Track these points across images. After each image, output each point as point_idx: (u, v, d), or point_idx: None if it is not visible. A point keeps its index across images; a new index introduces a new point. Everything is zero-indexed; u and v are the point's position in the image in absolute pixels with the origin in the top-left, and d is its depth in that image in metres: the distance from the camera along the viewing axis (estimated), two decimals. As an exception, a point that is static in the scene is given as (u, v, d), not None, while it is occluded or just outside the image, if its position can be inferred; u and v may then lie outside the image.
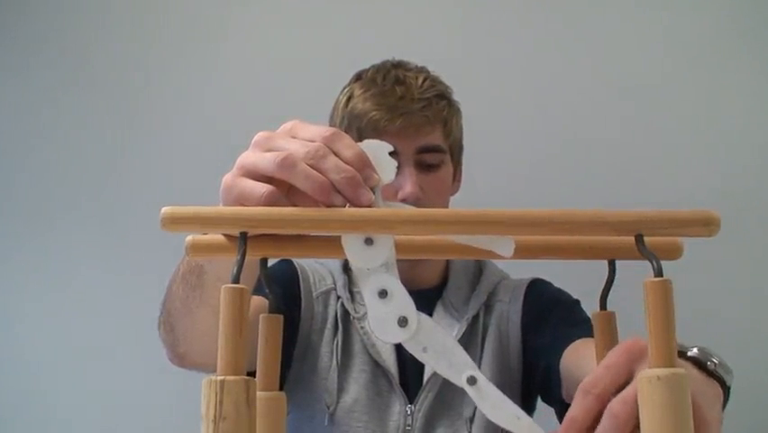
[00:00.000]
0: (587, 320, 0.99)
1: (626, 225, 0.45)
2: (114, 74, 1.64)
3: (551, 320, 1.01)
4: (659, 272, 0.43)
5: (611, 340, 0.51)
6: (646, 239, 0.45)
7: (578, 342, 0.93)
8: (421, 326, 0.47)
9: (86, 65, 1.65)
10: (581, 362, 0.89)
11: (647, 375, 0.41)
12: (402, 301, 0.47)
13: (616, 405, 0.43)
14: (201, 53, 1.63)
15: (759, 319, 1.47)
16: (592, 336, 0.52)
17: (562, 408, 0.97)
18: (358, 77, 1.04)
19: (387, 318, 0.47)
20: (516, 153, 1.51)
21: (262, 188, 0.48)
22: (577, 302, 1.05)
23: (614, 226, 0.45)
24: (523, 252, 0.50)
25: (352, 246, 0.47)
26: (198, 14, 1.65)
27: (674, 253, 0.48)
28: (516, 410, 0.46)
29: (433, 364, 0.47)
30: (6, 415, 1.54)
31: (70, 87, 1.64)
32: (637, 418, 0.42)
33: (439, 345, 0.47)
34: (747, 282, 1.45)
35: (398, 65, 1.03)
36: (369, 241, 0.47)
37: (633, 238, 0.45)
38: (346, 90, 1.02)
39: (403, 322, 0.47)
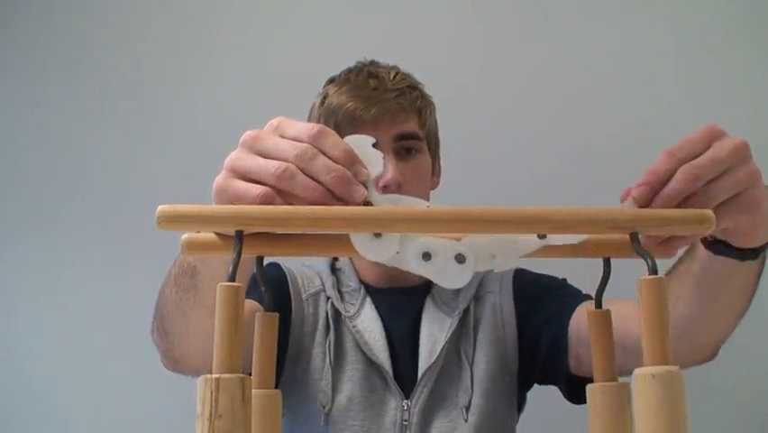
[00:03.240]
0: (580, 292, 1.02)
1: (621, 224, 0.46)
2: (109, 73, 1.64)
3: (545, 299, 1.02)
4: (654, 270, 0.43)
5: (607, 338, 0.51)
6: (641, 237, 0.45)
7: (582, 306, 0.96)
8: (476, 250, 0.48)
9: (80, 64, 1.65)
10: None
11: (642, 373, 0.42)
12: (445, 248, 0.48)
13: (688, 165, 0.51)
14: (196, 53, 1.63)
15: (756, 318, 1.47)
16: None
17: (568, 384, 0.99)
18: (330, 80, 1.06)
19: (446, 270, 0.47)
20: (511, 152, 1.51)
21: (257, 189, 0.49)
22: (564, 280, 1.06)
23: (609, 225, 0.46)
24: (518, 249, 0.50)
25: (362, 242, 0.47)
26: (195, 14, 1.65)
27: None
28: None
29: (505, 265, 0.48)
30: (2, 415, 1.53)
31: (65, 87, 1.64)
32: (706, 177, 0.52)
33: (498, 244, 0.48)
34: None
35: (371, 63, 1.06)
36: (377, 234, 0.47)
37: (628, 236, 0.46)
38: (320, 93, 1.04)
39: (461, 259, 0.47)
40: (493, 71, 1.57)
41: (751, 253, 0.65)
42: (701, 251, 0.69)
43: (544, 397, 1.12)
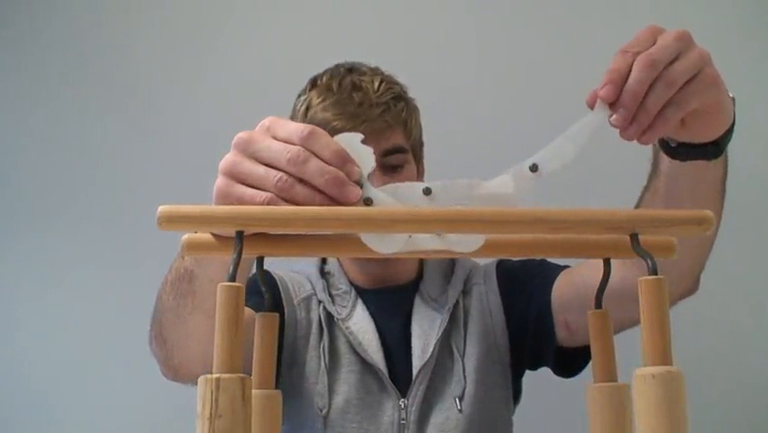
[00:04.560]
0: (558, 265, 1.04)
1: (621, 224, 0.46)
2: (111, 72, 1.64)
3: (527, 279, 1.04)
4: (654, 271, 0.43)
5: (607, 339, 0.51)
6: (641, 238, 0.45)
7: (562, 273, 1.00)
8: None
9: (81, 63, 1.65)
10: (576, 276, 0.97)
11: (642, 373, 0.42)
12: (444, 186, 0.49)
13: (643, 55, 0.56)
14: (197, 52, 1.64)
15: (756, 319, 1.47)
16: None
17: (557, 360, 1.01)
18: (313, 83, 1.03)
19: (462, 237, 0.48)
20: (510, 151, 1.51)
21: (263, 196, 0.50)
22: (543, 259, 1.06)
23: (609, 225, 0.46)
24: (518, 249, 0.50)
25: (372, 239, 0.48)
26: (197, 13, 1.65)
27: (669, 251, 0.49)
28: (567, 134, 0.52)
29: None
30: (2, 415, 1.53)
31: (66, 86, 1.64)
32: (662, 62, 0.56)
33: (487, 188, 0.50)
34: (744, 281, 1.46)
35: (352, 69, 1.03)
36: None
37: (628, 237, 0.46)
38: (303, 99, 1.02)
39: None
40: (492, 69, 1.58)
41: (715, 150, 0.69)
42: (665, 165, 0.74)
43: (543, 398, 1.12)
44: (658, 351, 0.42)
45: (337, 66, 1.04)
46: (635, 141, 0.58)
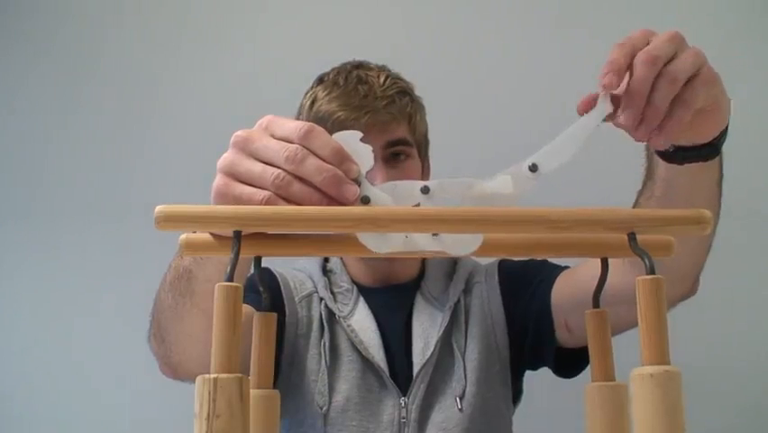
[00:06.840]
0: (559, 265, 1.04)
1: (619, 224, 0.46)
2: (109, 70, 1.64)
3: (527, 279, 1.05)
4: (651, 270, 0.43)
5: (604, 338, 0.51)
6: (639, 237, 0.45)
7: (563, 274, 1.00)
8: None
9: (81, 65, 1.65)
10: (576, 277, 0.97)
11: (640, 373, 0.42)
12: (442, 185, 0.49)
13: (643, 51, 0.56)
14: (194, 51, 1.64)
15: (756, 320, 1.47)
16: None
17: (557, 360, 1.02)
18: (320, 80, 1.03)
19: (459, 239, 0.48)
20: (509, 151, 1.51)
21: (261, 195, 0.50)
22: (545, 260, 1.07)
23: (607, 224, 0.46)
24: (516, 249, 0.50)
25: (369, 238, 0.48)
26: (198, 14, 1.65)
27: (666, 250, 0.49)
28: (567, 133, 0.53)
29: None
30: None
31: (64, 84, 1.64)
32: (663, 59, 0.56)
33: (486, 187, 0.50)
34: (743, 280, 1.45)
35: (359, 65, 1.03)
36: None
37: (625, 236, 0.46)
38: (309, 94, 1.02)
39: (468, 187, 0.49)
40: (492, 68, 1.57)
41: (710, 150, 0.70)
42: (662, 170, 0.74)
43: (543, 398, 1.12)
44: (656, 350, 0.42)
45: (345, 63, 1.05)
46: (634, 141, 0.58)
